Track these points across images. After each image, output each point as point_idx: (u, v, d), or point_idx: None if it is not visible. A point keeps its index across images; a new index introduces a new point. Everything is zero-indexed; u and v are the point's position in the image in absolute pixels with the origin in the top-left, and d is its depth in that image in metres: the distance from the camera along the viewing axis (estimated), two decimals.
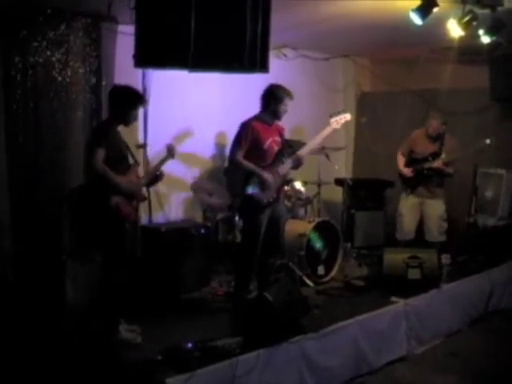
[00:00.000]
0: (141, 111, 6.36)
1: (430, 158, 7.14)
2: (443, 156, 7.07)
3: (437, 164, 7.09)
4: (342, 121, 5.91)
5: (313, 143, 5.85)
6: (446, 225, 7.33)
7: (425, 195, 7.27)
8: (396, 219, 7.55)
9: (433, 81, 8.35)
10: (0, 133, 5.47)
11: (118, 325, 4.91)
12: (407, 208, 7.37)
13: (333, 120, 5.87)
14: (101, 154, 4.70)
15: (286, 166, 5.75)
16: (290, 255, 6.61)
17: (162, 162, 5.37)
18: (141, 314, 5.33)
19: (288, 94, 5.64)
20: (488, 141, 6.96)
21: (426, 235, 7.38)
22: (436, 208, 7.29)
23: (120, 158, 4.94)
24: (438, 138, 7.19)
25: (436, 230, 7.30)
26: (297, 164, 5.78)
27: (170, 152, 5.43)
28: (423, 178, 7.21)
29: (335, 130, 5.92)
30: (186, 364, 4.22)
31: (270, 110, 5.65)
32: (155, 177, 5.36)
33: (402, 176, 7.37)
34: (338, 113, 5.96)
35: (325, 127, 5.85)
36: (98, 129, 5.05)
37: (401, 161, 7.40)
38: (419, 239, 7.40)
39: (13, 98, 5.54)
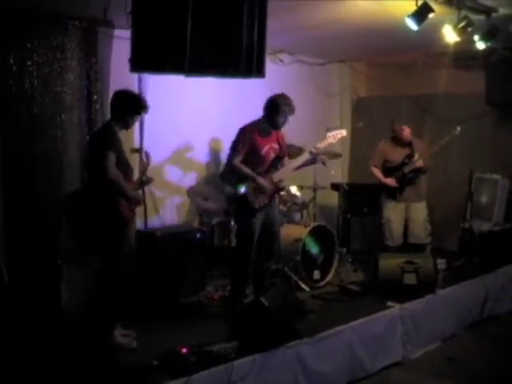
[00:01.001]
0: None
1: (407, 161, 7.28)
2: (417, 156, 7.21)
3: (418, 163, 7.22)
4: (339, 136, 6.02)
5: (305, 156, 5.85)
6: (429, 226, 7.47)
7: (412, 199, 7.38)
8: (384, 227, 7.59)
9: (429, 86, 8.37)
10: None
11: (112, 329, 4.90)
12: (395, 214, 7.46)
13: (329, 134, 5.98)
14: (113, 158, 4.72)
15: (292, 165, 5.79)
16: (286, 260, 6.61)
17: (144, 169, 5.37)
18: (136, 319, 5.32)
19: (290, 108, 5.64)
20: (458, 128, 7.06)
21: (411, 238, 7.49)
22: (421, 211, 7.44)
23: (122, 161, 4.94)
24: (407, 143, 7.35)
25: (423, 232, 7.44)
26: (314, 158, 5.83)
27: (147, 158, 5.42)
28: (406, 182, 7.30)
29: (330, 144, 5.99)
30: (181, 369, 4.21)
31: (270, 120, 5.66)
32: (141, 183, 5.36)
33: (385, 186, 7.43)
34: (335, 128, 6.12)
35: (321, 139, 5.90)
36: (107, 132, 4.99)
37: (378, 172, 7.49)
38: (404, 243, 7.49)
39: (8, 101, 5.54)
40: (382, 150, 7.54)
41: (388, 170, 7.43)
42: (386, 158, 7.47)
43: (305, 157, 5.84)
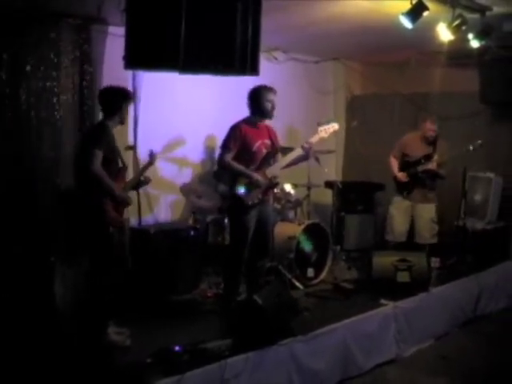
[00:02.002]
0: (131, 113, 6.38)
1: (423, 161, 7.18)
2: (436, 158, 7.11)
3: (431, 166, 7.12)
4: (331, 130, 5.89)
5: (298, 151, 5.84)
6: (437, 227, 7.38)
7: (418, 199, 7.30)
8: (386, 221, 7.56)
9: (423, 84, 8.38)
10: None
11: (106, 327, 4.89)
12: (399, 210, 7.40)
13: (321, 129, 5.86)
14: (99, 156, 4.68)
15: (284, 161, 5.77)
16: (280, 258, 6.61)
17: (144, 168, 5.36)
18: (130, 317, 5.31)
19: (267, 88, 5.61)
20: (480, 142, 7.01)
21: (417, 238, 7.41)
22: (428, 211, 7.33)
23: (113, 160, 4.93)
24: (432, 142, 7.23)
25: (428, 232, 7.34)
26: (306, 153, 5.79)
27: (151, 158, 5.41)
28: (418, 182, 7.23)
29: (322, 139, 5.91)
30: (175, 367, 4.21)
31: (257, 110, 5.63)
32: (139, 182, 5.34)
33: (396, 180, 7.40)
34: (327, 122, 5.95)
35: (313, 134, 5.86)
36: (96, 130, 5.00)
37: (394, 164, 7.41)
38: (409, 241, 7.43)
39: (3, 99, 5.52)
40: (404, 143, 7.43)
41: (405, 164, 7.33)
42: (406, 152, 7.37)
43: (297, 152, 5.81)
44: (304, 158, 5.88)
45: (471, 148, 7.03)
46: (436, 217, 7.36)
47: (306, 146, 5.75)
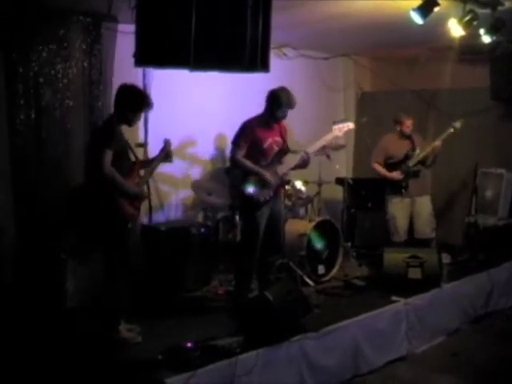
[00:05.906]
0: None
1: (410, 153, 7.19)
2: (418, 150, 7.13)
3: (422, 154, 7.12)
4: (345, 129, 6.00)
5: (312, 148, 5.86)
6: (435, 220, 7.38)
7: (416, 193, 7.27)
8: (388, 223, 7.49)
9: (433, 80, 8.36)
10: (3, 132, 5.47)
11: (118, 324, 4.91)
12: (400, 210, 7.36)
13: (335, 127, 5.95)
14: (109, 155, 4.68)
15: (289, 164, 5.76)
16: (291, 255, 6.61)
17: (160, 161, 5.35)
18: (141, 314, 5.34)
19: (289, 102, 5.61)
20: (457, 124, 6.98)
21: (417, 233, 7.38)
22: (425, 205, 7.34)
23: (124, 156, 4.93)
24: (409, 136, 7.27)
25: (428, 226, 7.34)
26: (304, 162, 5.80)
27: (166, 145, 5.38)
28: (412, 176, 7.23)
29: (337, 137, 5.98)
30: (186, 363, 4.22)
31: (270, 112, 5.65)
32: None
33: (390, 181, 7.33)
34: (341, 121, 6.06)
35: (327, 132, 5.87)
36: (106, 129, 4.97)
37: (381, 169, 7.36)
38: (410, 238, 7.42)
39: (14, 96, 5.53)
40: (384, 146, 7.42)
41: (390, 166, 7.32)
42: (389, 154, 7.34)
43: (295, 159, 5.82)
44: (301, 166, 5.87)
45: (449, 133, 7.03)
46: (432, 209, 7.36)
47: (304, 156, 5.78)
